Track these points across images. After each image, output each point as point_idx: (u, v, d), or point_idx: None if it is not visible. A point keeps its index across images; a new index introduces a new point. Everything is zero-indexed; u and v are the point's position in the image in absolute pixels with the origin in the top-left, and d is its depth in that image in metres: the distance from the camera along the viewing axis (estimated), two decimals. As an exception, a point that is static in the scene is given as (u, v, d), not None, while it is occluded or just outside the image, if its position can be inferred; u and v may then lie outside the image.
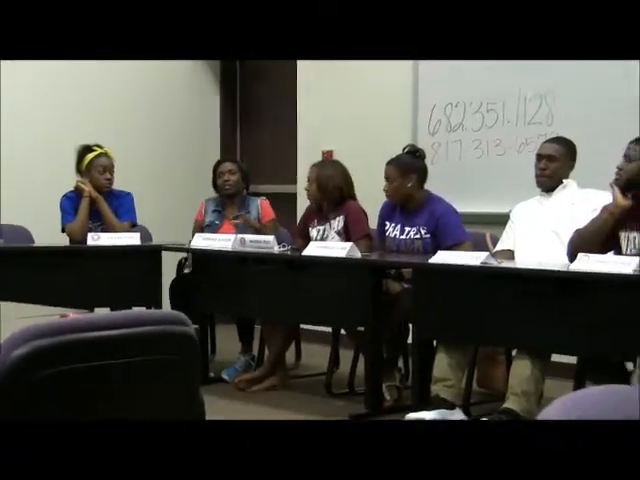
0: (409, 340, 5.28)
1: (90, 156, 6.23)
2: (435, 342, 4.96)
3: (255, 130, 8.34)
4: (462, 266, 4.68)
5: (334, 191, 5.78)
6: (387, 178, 5.47)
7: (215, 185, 6.33)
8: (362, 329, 5.34)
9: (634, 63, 5.56)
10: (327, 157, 6.76)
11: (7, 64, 6.93)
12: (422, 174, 5.50)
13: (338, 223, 5.78)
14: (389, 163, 5.48)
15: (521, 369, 4.53)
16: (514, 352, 4.79)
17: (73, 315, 2.81)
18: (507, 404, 4.48)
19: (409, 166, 5.45)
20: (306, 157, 6.94)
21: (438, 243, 5.25)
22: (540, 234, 5.02)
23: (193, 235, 6.10)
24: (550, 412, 1.45)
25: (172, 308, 5.86)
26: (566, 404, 1.48)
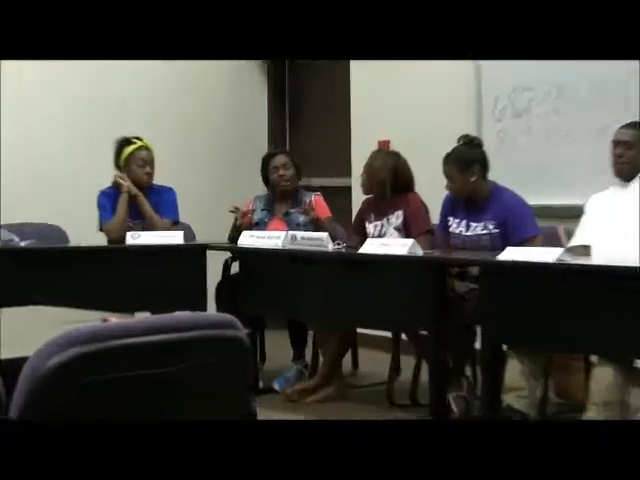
0: (476, 345, 5.21)
1: (129, 149, 6.24)
2: (505, 347, 4.92)
3: (304, 120, 8.34)
4: (534, 263, 4.66)
5: (378, 186, 5.78)
6: (448, 177, 5.45)
7: (266, 180, 6.25)
8: (425, 333, 5.29)
9: None
10: (383, 147, 6.66)
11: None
12: (483, 165, 5.46)
13: (397, 218, 5.77)
14: (446, 161, 5.45)
15: (602, 376, 4.49)
16: (594, 357, 4.73)
17: (114, 319, 2.77)
18: (588, 415, 4.43)
19: (468, 159, 5.41)
20: (361, 147, 6.89)
21: (507, 238, 5.20)
22: (618, 227, 4.95)
23: (231, 232, 6.07)
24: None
25: (218, 312, 5.82)
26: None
